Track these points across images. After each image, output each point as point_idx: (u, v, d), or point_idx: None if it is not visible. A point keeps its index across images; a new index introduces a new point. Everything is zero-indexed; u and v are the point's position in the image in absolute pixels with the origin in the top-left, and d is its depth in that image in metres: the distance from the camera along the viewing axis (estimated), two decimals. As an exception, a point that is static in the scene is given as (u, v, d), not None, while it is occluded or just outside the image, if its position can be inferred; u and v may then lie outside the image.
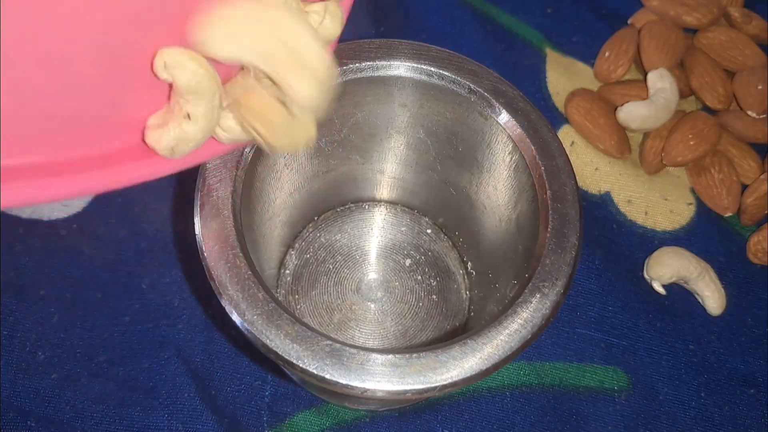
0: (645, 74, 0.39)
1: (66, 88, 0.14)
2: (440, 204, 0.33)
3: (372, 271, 0.34)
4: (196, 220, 0.23)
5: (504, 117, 0.26)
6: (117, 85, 0.15)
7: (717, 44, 0.40)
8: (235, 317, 0.22)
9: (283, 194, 0.29)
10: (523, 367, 0.33)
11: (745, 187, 0.38)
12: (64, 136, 0.14)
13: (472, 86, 0.26)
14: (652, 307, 0.35)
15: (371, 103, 0.28)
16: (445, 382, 0.21)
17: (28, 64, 0.13)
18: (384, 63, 0.26)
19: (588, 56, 0.41)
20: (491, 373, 0.21)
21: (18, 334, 0.32)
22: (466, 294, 0.33)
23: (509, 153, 0.26)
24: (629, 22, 0.42)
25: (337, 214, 0.35)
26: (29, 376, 0.31)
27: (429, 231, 0.35)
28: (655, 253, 0.35)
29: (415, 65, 0.26)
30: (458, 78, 0.26)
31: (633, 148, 0.39)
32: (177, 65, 0.15)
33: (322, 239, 0.34)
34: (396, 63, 0.26)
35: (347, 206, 0.35)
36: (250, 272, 0.22)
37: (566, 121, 0.39)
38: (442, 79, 0.26)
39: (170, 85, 0.16)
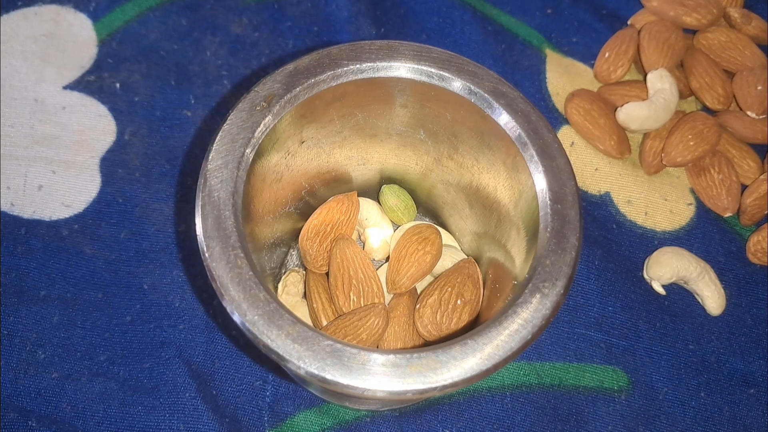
0: (645, 75, 0.39)
1: None
2: (440, 204, 0.33)
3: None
4: (197, 221, 0.23)
5: (504, 118, 0.26)
6: None
7: (716, 45, 0.40)
8: (237, 318, 0.22)
9: (284, 195, 0.29)
10: (524, 367, 0.33)
11: (744, 187, 0.38)
12: None
13: (472, 87, 0.26)
14: (652, 308, 0.35)
15: (372, 104, 0.28)
16: (445, 382, 0.21)
17: None
18: (384, 64, 0.27)
19: (588, 57, 0.42)
20: (491, 373, 0.21)
21: (18, 333, 0.32)
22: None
23: (509, 154, 0.26)
24: (629, 22, 0.42)
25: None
26: (30, 375, 0.31)
27: (429, 231, 0.35)
28: (655, 254, 0.35)
29: (416, 66, 0.26)
30: (458, 79, 0.26)
31: (633, 148, 0.39)
32: None
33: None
34: (396, 64, 0.26)
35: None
36: (251, 273, 0.22)
37: (566, 121, 0.39)
38: (443, 80, 0.27)
39: None
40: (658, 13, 0.41)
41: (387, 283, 0.31)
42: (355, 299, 0.29)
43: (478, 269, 0.30)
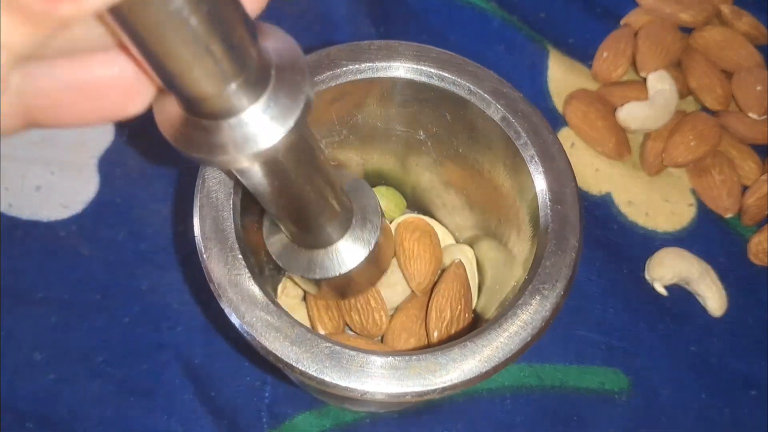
0: (640, 74, 0.39)
1: None
2: (439, 205, 0.33)
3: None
4: (195, 222, 0.23)
5: (504, 119, 0.26)
6: None
7: (713, 44, 0.40)
8: (235, 319, 0.22)
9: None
10: (524, 369, 0.33)
11: (745, 188, 0.38)
12: None
13: (472, 87, 0.26)
14: (653, 309, 0.35)
15: (371, 105, 0.28)
16: (444, 385, 0.21)
17: None
18: (384, 64, 0.26)
19: (588, 57, 0.41)
20: (491, 375, 0.21)
21: (16, 335, 0.32)
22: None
23: (509, 155, 0.26)
24: (622, 22, 0.42)
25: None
26: (27, 377, 0.31)
27: (429, 232, 0.35)
28: (656, 254, 0.35)
29: (415, 66, 0.26)
30: (458, 79, 0.26)
31: (633, 149, 0.39)
32: None
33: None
34: (396, 64, 0.26)
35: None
36: (249, 274, 0.22)
37: (566, 122, 0.39)
38: (442, 80, 0.26)
39: None
40: (653, 10, 0.41)
41: (412, 286, 0.31)
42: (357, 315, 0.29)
43: (463, 266, 0.30)
